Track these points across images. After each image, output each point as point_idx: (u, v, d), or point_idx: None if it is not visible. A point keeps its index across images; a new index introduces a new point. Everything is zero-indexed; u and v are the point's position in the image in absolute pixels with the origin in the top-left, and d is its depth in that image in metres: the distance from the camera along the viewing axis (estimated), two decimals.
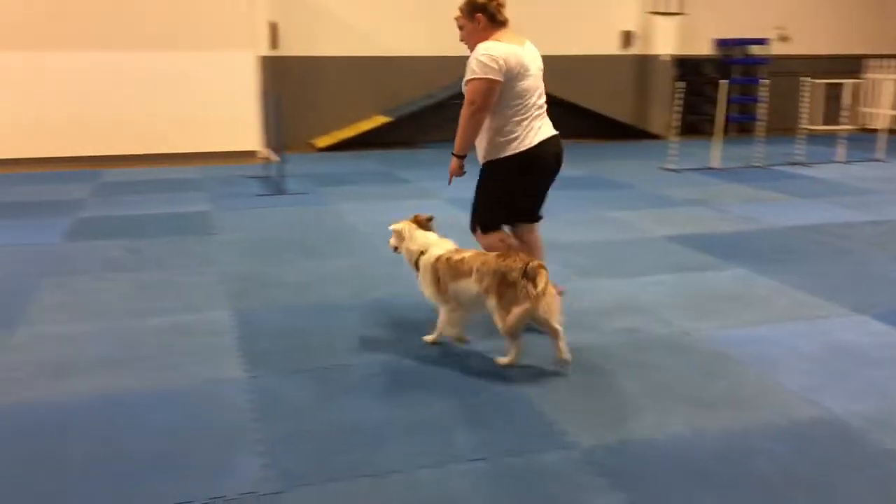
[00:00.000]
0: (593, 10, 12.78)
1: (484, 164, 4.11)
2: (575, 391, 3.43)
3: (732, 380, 3.55)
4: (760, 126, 10.20)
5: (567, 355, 3.58)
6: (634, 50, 13.01)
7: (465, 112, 3.89)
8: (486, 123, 3.93)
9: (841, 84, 11.43)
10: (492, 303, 3.56)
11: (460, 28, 4.07)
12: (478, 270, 3.60)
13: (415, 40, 12.09)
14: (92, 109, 10.04)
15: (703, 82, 12.73)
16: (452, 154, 4.04)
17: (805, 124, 10.59)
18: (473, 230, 4.22)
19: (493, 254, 3.71)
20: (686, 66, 13.01)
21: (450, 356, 3.80)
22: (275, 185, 8.31)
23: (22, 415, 3.19)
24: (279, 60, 11.23)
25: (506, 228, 4.22)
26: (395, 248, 4.07)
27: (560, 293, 3.80)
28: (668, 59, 12.86)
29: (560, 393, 3.41)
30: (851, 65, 13.38)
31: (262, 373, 3.60)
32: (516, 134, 3.93)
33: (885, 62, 13.23)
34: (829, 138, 11.27)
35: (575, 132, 12.35)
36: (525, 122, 3.94)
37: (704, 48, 13.31)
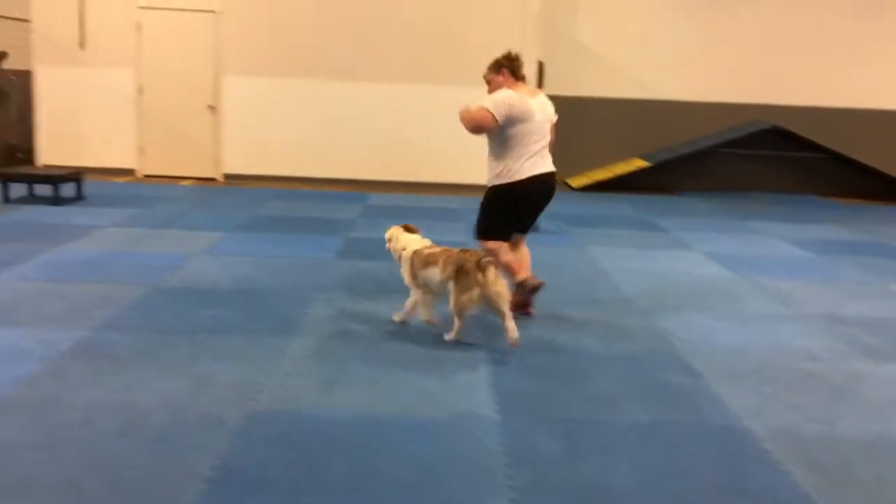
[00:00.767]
0: (887, 60, 11.63)
1: (488, 188, 5.00)
2: None
3: None
4: None
5: (514, 334, 4.26)
6: None
7: (467, 117, 4.86)
8: (492, 157, 4.92)
9: None
10: (450, 287, 4.36)
11: (487, 83, 5.02)
12: (443, 262, 4.41)
13: (682, 84, 11.76)
14: (365, 136, 10.83)
15: None
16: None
17: None
18: (476, 236, 5.12)
19: (458, 249, 4.48)
20: None
21: (709, 429, 3.54)
22: None
23: (295, 423, 3.41)
24: None
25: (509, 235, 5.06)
26: (388, 247, 4.89)
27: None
28: None
29: None
30: None
31: (515, 415, 3.58)
32: (511, 169, 4.83)
33: None
34: None
35: (854, 191, 11.29)
36: (521, 161, 4.82)
37: None
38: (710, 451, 3.31)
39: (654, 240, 7.90)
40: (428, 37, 10.67)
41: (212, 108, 10.59)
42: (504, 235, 5.01)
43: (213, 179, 10.78)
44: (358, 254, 6.70)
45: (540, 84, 11.34)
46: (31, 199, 8.39)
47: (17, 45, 10.51)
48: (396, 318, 4.77)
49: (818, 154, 11.30)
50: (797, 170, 11.69)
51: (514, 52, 5.02)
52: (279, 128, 10.69)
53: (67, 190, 8.43)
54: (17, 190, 8.38)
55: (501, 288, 4.32)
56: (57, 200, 8.12)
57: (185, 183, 10.43)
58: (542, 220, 8.18)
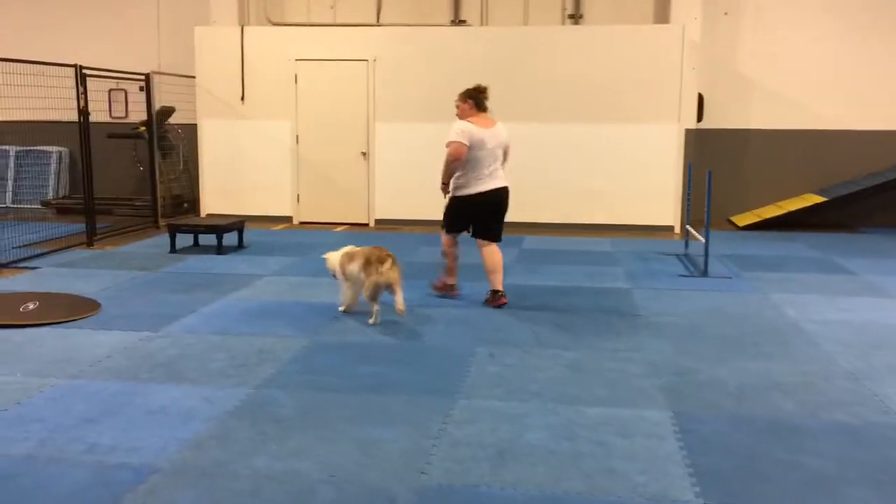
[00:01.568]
0: None
1: (450, 197, 6.21)
2: None
3: None
4: None
5: (402, 306, 5.45)
6: None
7: (446, 160, 5.99)
8: (455, 175, 6.04)
9: None
10: (362, 277, 5.54)
11: (457, 107, 6.13)
12: (358, 257, 5.60)
13: (856, 112, 10.79)
14: (516, 177, 10.50)
15: None
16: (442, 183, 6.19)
17: None
18: (442, 229, 6.37)
19: (371, 248, 5.65)
20: None
21: None
22: (696, 266, 7.80)
23: (469, 502, 3.09)
24: (702, 133, 10.77)
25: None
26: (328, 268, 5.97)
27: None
28: None
29: None
30: None
31: (716, 499, 3.10)
32: (466, 183, 6.06)
33: None
34: None
35: None
36: (474, 179, 6.03)
37: None
38: None
39: (843, 284, 7.11)
40: (580, 75, 10.32)
41: (364, 154, 10.69)
42: (458, 231, 6.32)
43: (365, 225, 10.84)
44: (517, 302, 6.36)
45: (700, 117, 10.74)
46: (196, 248, 8.66)
47: (183, 101, 11.07)
48: (342, 309, 5.92)
49: None
50: None
51: (482, 85, 6.13)
52: (429, 172, 10.59)
53: (230, 239, 8.64)
54: (184, 240, 8.67)
55: (394, 275, 5.51)
56: (220, 250, 8.33)
57: (339, 229, 10.53)
58: (713, 264, 7.62)
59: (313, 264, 7.81)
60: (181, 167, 11.61)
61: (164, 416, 3.91)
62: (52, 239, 8.90)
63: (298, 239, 9.53)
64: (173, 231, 8.52)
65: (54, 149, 12.17)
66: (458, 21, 11.35)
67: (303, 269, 7.67)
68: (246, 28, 10.89)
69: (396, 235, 9.74)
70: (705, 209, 7.50)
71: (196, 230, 8.69)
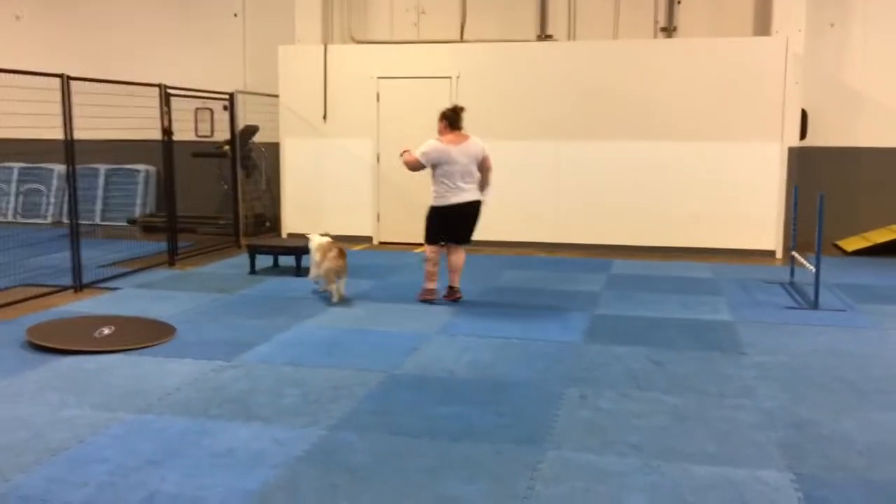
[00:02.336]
0: None
1: (429, 207, 6.84)
2: None
3: None
4: None
5: (342, 293, 6.96)
6: None
7: (406, 161, 6.89)
8: (432, 186, 6.77)
9: None
10: (319, 260, 7.00)
11: (439, 123, 6.83)
12: (320, 249, 7.04)
13: None
14: (604, 198, 10.07)
15: None
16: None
17: None
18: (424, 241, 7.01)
19: (330, 241, 7.12)
20: None
21: None
22: (804, 297, 7.18)
23: None
24: (805, 151, 10.07)
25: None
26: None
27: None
28: None
29: None
30: None
31: None
32: (441, 195, 6.70)
33: None
34: None
35: None
36: (447, 191, 6.66)
37: None
38: None
39: None
40: (675, 91, 9.78)
41: None
42: (436, 243, 6.89)
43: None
44: (609, 335, 5.91)
45: (803, 134, 10.04)
46: (276, 269, 8.51)
47: (267, 120, 11.04)
48: (315, 285, 7.31)
49: None
50: None
51: (459, 105, 6.89)
52: (512, 192, 10.22)
53: (308, 260, 8.45)
54: (263, 260, 8.53)
55: (337, 264, 6.83)
56: (299, 272, 8.15)
57: (419, 250, 10.24)
58: (824, 296, 6.97)
59: (392, 289, 7.55)
60: (263, 186, 11.58)
61: (232, 459, 3.65)
62: (135, 258, 8.91)
63: (378, 260, 9.29)
64: (253, 252, 8.40)
65: (142, 167, 12.34)
66: (544, 36, 10.97)
67: (381, 293, 7.41)
68: (329, 46, 10.78)
69: (479, 258, 9.36)
70: (815, 234, 6.88)
71: (275, 251, 8.55)
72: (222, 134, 11.07)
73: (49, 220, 12.41)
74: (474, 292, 7.34)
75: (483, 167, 6.79)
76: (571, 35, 10.94)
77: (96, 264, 8.18)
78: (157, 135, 8.81)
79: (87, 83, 7.53)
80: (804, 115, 10.00)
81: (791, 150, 9.67)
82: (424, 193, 6.79)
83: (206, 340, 5.69)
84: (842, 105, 10.39)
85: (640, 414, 4.27)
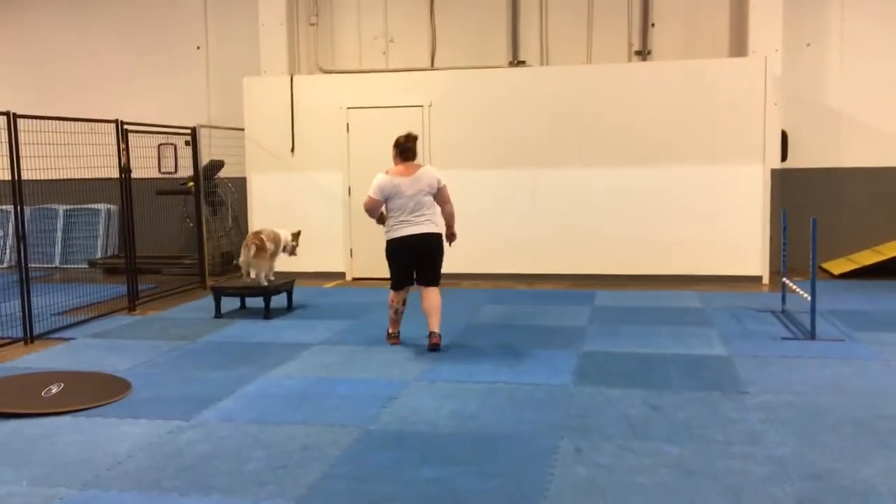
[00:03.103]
0: None
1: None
2: None
3: None
4: None
5: (264, 282, 7.75)
6: None
7: (366, 208, 6.42)
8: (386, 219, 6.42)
9: None
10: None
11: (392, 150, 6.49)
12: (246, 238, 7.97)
13: None
14: (584, 226, 9.74)
15: None
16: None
17: None
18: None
19: (253, 234, 7.96)
20: None
21: None
22: (799, 326, 6.86)
23: None
24: (787, 173, 9.85)
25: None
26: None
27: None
28: None
29: None
30: None
31: None
32: (391, 228, 6.33)
33: None
34: None
35: None
36: (397, 224, 6.28)
37: None
38: None
39: None
40: (652, 115, 9.51)
41: None
42: (401, 287, 6.47)
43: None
44: (600, 376, 5.53)
45: (784, 156, 9.83)
46: (243, 310, 8.06)
47: (233, 154, 10.62)
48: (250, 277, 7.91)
49: None
50: None
51: (413, 133, 6.51)
52: (489, 222, 9.86)
53: (278, 300, 8.02)
54: (230, 302, 8.07)
55: (251, 259, 7.63)
56: (267, 314, 7.71)
57: None
58: (821, 324, 6.65)
59: (366, 330, 7.12)
60: (230, 223, 11.13)
61: None
62: (93, 303, 8.40)
63: (350, 298, 8.86)
64: (218, 294, 7.94)
65: (102, 206, 11.84)
66: (516, 62, 10.71)
67: (354, 335, 6.97)
68: (296, 77, 10.42)
69: (457, 291, 8.96)
70: (800, 258, 6.59)
71: (241, 293, 8.09)
72: (186, 170, 10.64)
73: (5, 264, 11.83)
74: (454, 331, 6.93)
75: (440, 199, 6.36)
76: (544, 60, 10.70)
77: (51, 312, 7.69)
78: (116, 172, 8.36)
79: (38, 121, 7.09)
80: (784, 136, 9.81)
81: (773, 172, 9.44)
82: None
83: (164, 397, 5.22)
84: (821, 125, 10.22)
85: (642, 469, 3.87)
